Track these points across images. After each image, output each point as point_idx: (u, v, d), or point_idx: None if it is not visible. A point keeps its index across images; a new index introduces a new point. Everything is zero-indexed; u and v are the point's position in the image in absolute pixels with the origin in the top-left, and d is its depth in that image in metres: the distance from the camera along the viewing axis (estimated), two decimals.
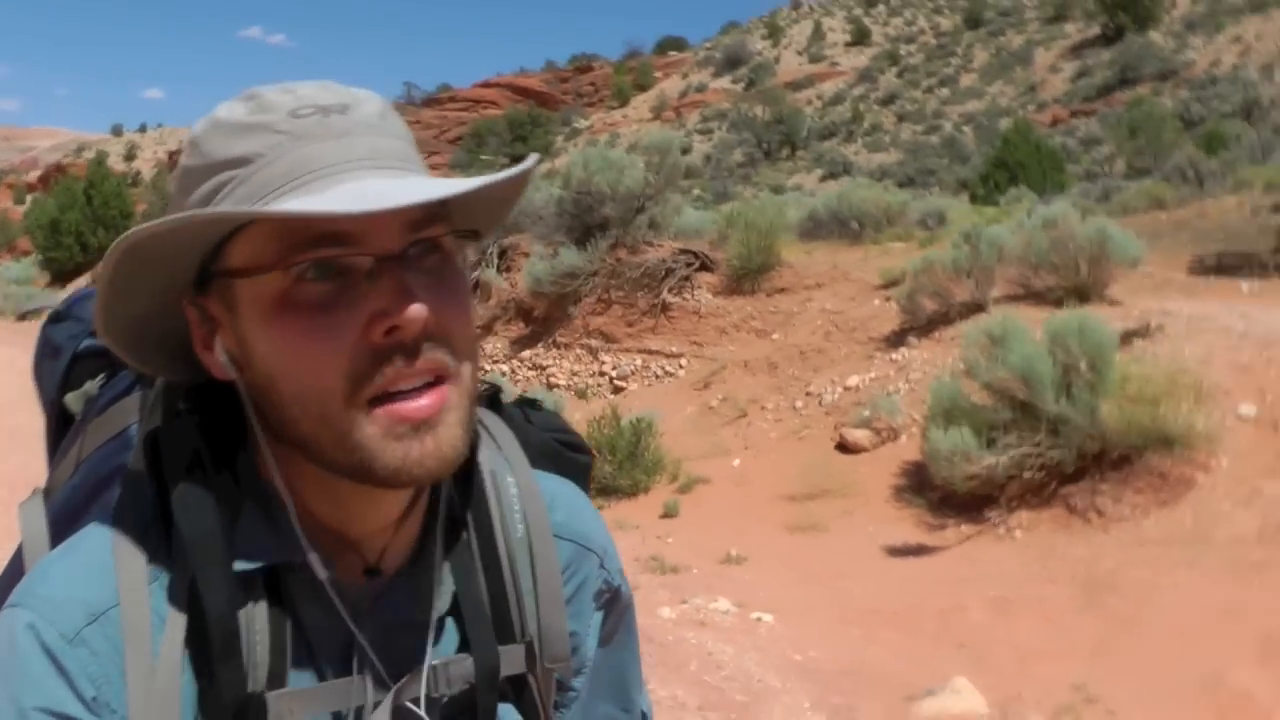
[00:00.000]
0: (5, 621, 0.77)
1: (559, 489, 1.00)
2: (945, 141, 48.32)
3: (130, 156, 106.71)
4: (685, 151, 60.85)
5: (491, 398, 1.03)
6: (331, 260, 0.74)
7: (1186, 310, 8.20)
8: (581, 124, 77.11)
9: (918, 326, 8.90)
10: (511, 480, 0.94)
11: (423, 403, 0.75)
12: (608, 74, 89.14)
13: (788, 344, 9.45)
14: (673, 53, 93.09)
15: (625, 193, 12.08)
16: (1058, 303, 8.65)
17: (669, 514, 7.81)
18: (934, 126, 52.32)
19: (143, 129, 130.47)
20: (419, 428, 0.75)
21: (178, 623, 0.78)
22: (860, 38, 73.48)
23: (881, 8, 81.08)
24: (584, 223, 12.30)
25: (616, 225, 12.23)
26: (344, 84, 0.81)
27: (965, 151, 44.36)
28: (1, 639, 0.77)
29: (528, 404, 1.11)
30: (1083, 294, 8.65)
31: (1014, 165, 27.68)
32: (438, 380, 0.76)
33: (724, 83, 74.28)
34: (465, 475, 0.89)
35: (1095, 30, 54.62)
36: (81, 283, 24.97)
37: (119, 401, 0.99)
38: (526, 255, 13.22)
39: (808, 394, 8.67)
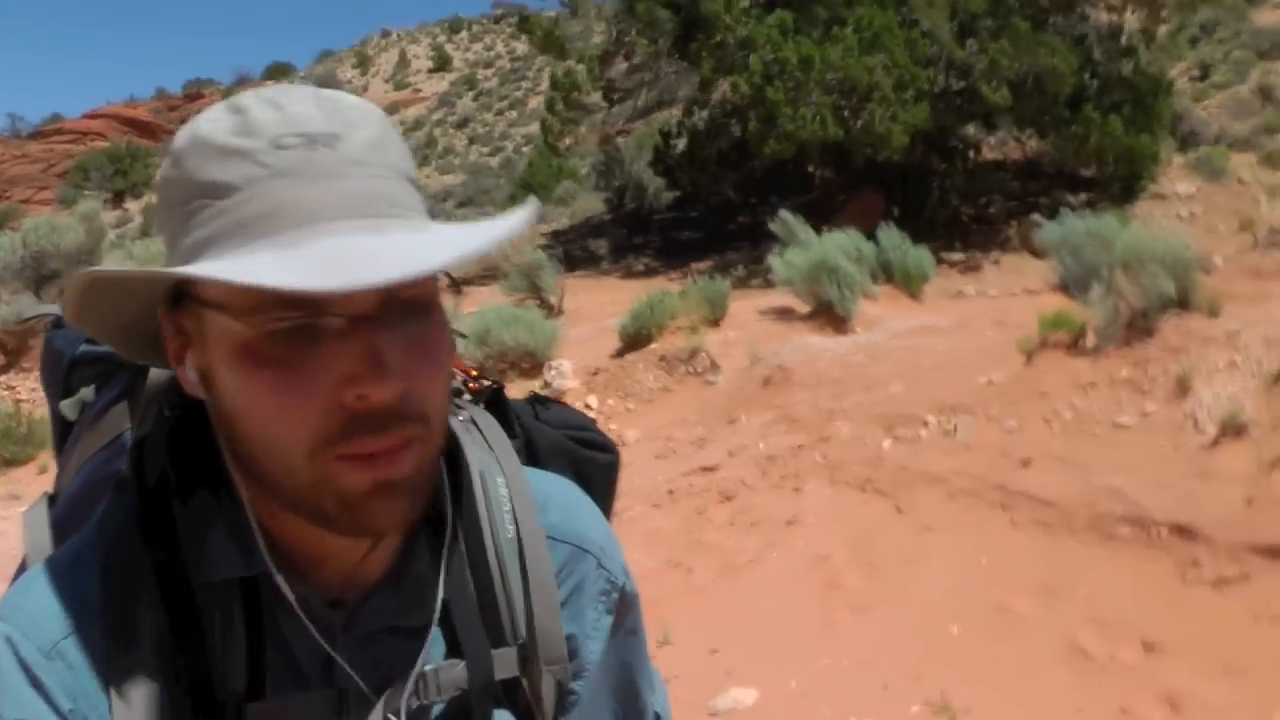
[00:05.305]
0: None
1: (552, 487, 0.95)
2: (504, 162, 52.24)
3: None
4: None
5: (493, 397, 1.01)
6: (300, 322, 0.69)
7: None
8: None
9: None
10: (501, 480, 0.90)
11: (393, 469, 0.72)
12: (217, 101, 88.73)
13: None
14: (270, 82, 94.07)
15: (70, 250, 16.18)
16: None
17: None
18: (498, 148, 56.75)
19: None
20: (381, 488, 0.72)
21: (158, 634, 0.77)
22: (442, 64, 76.81)
23: (464, 34, 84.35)
24: (39, 273, 16.26)
25: (66, 277, 16.29)
26: None
27: (518, 172, 49.32)
28: None
29: (538, 401, 1.07)
30: None
31: (536, 185, 33.22)
32: (406, 443, 0.72)
33: None
34: (454, 479, 0.85)
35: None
36: None
37: (112, 408, 0.99)
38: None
39: None
